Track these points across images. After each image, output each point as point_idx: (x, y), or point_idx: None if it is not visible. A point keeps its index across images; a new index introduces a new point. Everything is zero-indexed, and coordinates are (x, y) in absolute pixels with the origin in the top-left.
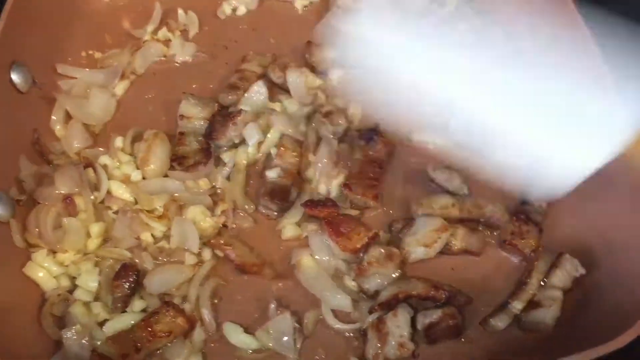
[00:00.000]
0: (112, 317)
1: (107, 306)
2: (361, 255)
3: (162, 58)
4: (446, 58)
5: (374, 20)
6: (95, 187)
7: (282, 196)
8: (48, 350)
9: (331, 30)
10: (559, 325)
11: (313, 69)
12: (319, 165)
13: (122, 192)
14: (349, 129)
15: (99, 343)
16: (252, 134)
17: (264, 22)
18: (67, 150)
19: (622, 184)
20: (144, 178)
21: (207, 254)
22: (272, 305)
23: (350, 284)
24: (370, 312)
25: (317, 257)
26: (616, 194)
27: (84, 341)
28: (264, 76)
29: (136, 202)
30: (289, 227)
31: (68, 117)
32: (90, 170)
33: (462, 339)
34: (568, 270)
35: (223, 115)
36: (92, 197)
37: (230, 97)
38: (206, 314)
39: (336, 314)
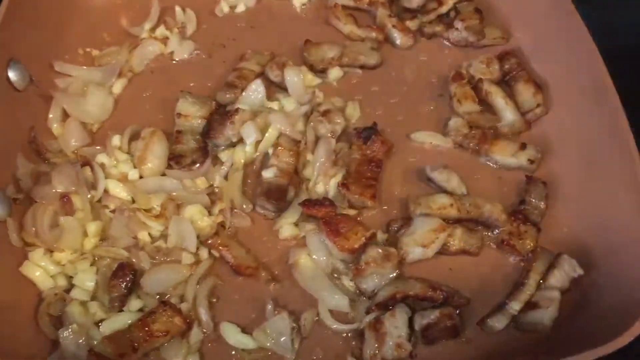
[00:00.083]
0: (109, 317)
1: (104, 305)
2: (359, 255)
3: (160, 56)
4: None
5: None
6: (93, 186)
7: (278, 196)
8: (45, 349)
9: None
10: (556, 326)
11: (311, 68)
12: (317, 164)
13: (119, 191)
14: (347, 128)
15: (95, 342)
16: (250, 132)
17: (262, 20)
18: (64, 148)
19: (620, 186)
20: (141, 177)
21: (204, 253)
22: (269, 306)
23: (348, 284)
24: (368, 312)
25: (314, 256)
26: (615, 195)
27: (80, 341)
28: (262, 75)
29: (133, 201)
30: (287, 226)
31: (65, 115)
32: (87, 169)
33: (460, 340)
34: (566, 271)
35: (221, 114)
36: (89, 196)
37: (228, 95)
38: (203, 313)
39: (334, 314)
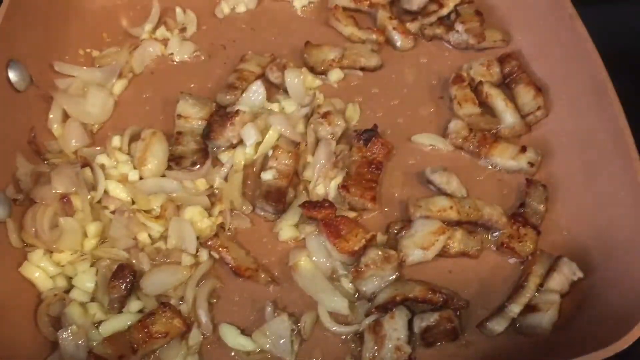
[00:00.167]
0: (109, 318)
1: (103, 307)
2: (359, 257)
3: (160, 57)
4: None
5: None
6: (93, 187)
7: (277, 198)
8: (44, 350)
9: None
10: (556, 329)
11: (312, 70)
12: (317, 166)
13: (119, 192)
14: (347, 130)
15: (95, 344)
16: (250, 134)
17: (262, 21)
18: (64, 149)
19: (620, 189)
20: (141, 178)
21: (204, 255)
22: (269, 308)
23: (348, 286)
24: (367, 314)
25: (314, 258)
26: (615, 198)
27: (80, 342)
28: (262, 76)
29: (133, 202)
30: (286, 228)
31: (65, 115)
32: (87, 170)
33: (459, 342)
34: (566, 274)
35: (221, 116)
36: (89, 197)
37: (228, 97)
38: (203, 315)
39: (333, 316)
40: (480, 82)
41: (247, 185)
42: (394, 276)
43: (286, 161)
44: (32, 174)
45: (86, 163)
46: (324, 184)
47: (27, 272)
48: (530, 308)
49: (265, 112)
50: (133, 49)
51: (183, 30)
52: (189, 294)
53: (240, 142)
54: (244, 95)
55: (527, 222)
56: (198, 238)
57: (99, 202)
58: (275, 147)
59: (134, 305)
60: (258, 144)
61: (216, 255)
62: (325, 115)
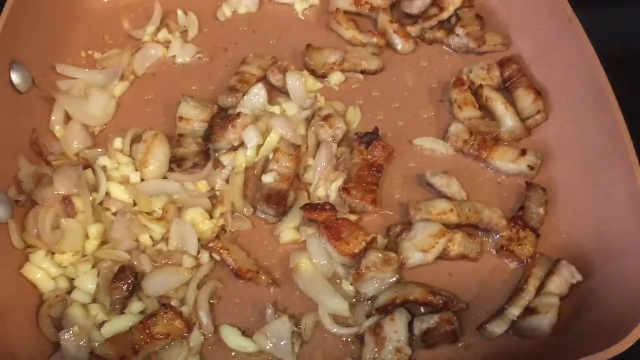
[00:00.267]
0: (110, 319)
1: (105, 308)
2: (359, 259)
3: (162, 59)
4: None
5: None
6: (94, 188)
7: (278, 200)
8: (46, 351)
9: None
10: (555, 332)
11: (313, 72)
12: (318, 168)
13: (120, 194)
14: (348, 133)
15: (96, 345)
16: (251, 136)
17: (263, 24)
18: (66, 150)
19: (619, 192)
20: (142, 179)
21: (205, 256)
22: (269, 310)
23: (348, 288)
24: (368, 316)
25: (314, 261)
26: (614, 201)
27: (81, 343)
28: (263, 79)
29: (135, 204)
30: (287, 231)
31: (67, 117)
32: (89, 171)
33: (459, 344)
34: (565, 277)
35: (222, 118)
36: (90, 198)
37: (229, 99)
38: (204, 316)
39: (334, 317)
40: (481, 86)
41: (248, 187)
42: (394, 278)
43: (287, 164)
44: (34, 176)
45: (88, 165)
46: (324, 186)
47: (28, 273)
48: (529, 310)
49: (266, 114)
50: (135, 51)
51: (184, 32)
52: (190, 296)
53: (242, 144)
54: (245, 97)
55: (526, 225)
56: (199, 240)
57: (101, 203)
58: (275, 150)
59: (136, 306)
60: (259, 146)
61: (217, 257)
62: (326, 117)
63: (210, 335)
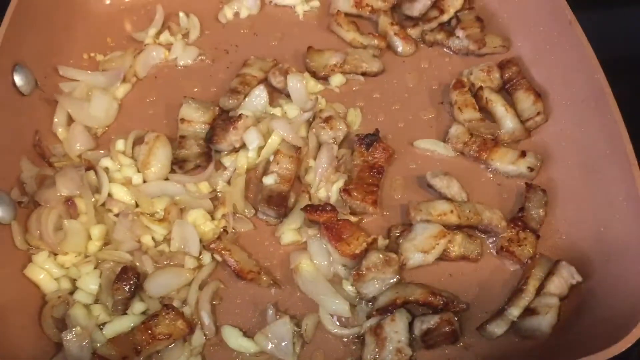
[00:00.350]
0: (112, 320)
1: (107, 308)
2: (360, 260)
3: (164, 61)
4: None
5: None
6: (97, 190)
7: (279, 202)
8: (48, 352)
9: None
10: (555, 332)
11: (314, 74)
12: (319, 170)
13: (123, 195)
14: (348, 135)
15: (99, 345)
16: (252, 138)
17: (265, 26)
18: (68, 152)
19: (618, 193)
20: (144, 181)
21: (206, 257)
22: (270, 311)
23: (349, 288)
24: (369, 317)
25: (315, 261)
26: (613, 202)
27: (84, 343)
28: (264, 81)
29: (137, 205)
30: (288, 232)
31: (70, 119)
32: (91, 173)
33: (459, 345)
34: (564, 278)
35: (224, 120)
36: (93, 200)
37: (231, 101)
38: (205, 317)
39: (334, 318)
40: (481, 88)
41: (249, 188)
42: (395, 279)
43: (288, 166)
44: (36, 177)
45: (90, 166)
46: (325, 187)
47: (31, 274)
48: (529, 311)
49: (267, 116)
50: (137, 53)
51: (186, 35)
52: (192, 296)
53: (243, 146)
54: (246, 99)
55: (526, 226)
56: (201, 241)
57: (103, 205)
58: (276, 152)
59: (138, 307)
60: (260, 148)
61: (219, 258)
62: (327, 119)
63: (211, 335)
